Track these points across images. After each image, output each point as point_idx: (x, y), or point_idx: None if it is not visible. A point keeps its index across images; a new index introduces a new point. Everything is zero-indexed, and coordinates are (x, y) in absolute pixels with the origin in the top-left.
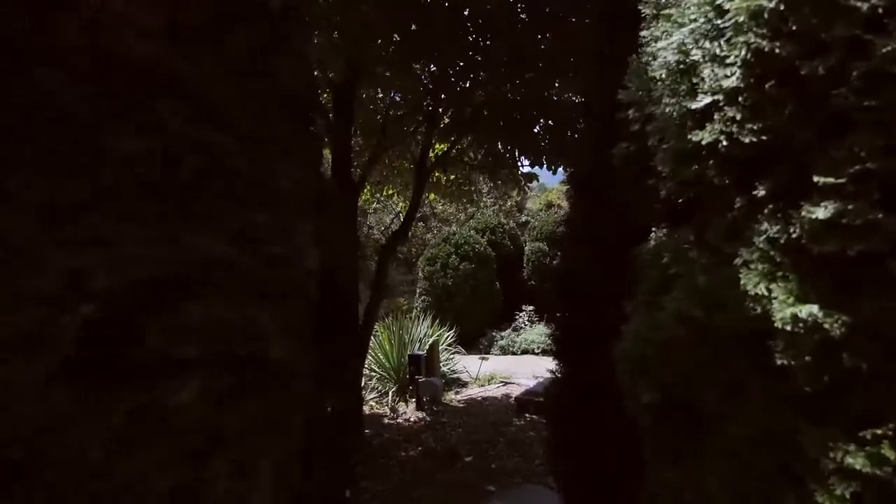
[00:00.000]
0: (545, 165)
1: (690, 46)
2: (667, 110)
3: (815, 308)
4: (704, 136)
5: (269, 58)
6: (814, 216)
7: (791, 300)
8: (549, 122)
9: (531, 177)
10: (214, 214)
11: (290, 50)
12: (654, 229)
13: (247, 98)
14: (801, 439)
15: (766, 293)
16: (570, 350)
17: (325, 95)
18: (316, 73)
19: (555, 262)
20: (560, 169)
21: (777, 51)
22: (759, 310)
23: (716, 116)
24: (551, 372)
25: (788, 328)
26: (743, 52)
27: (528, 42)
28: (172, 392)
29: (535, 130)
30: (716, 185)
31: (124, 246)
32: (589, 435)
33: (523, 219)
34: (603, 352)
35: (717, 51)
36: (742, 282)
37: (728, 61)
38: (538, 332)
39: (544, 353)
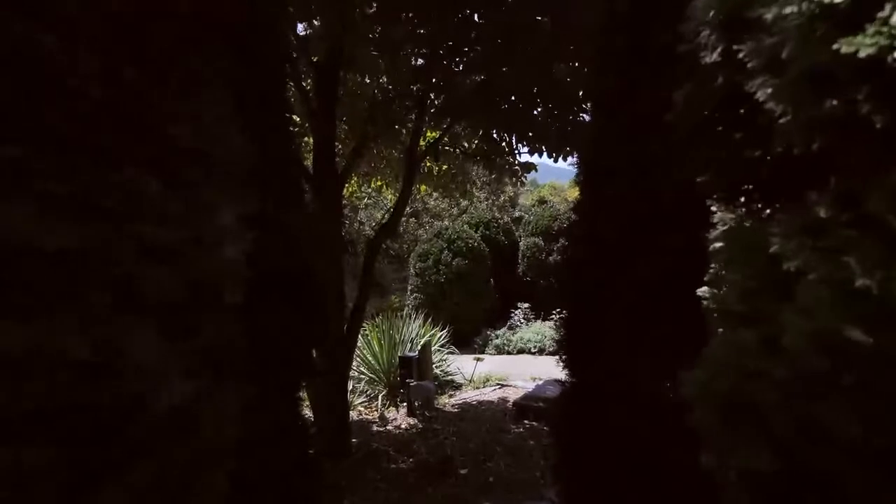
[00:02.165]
0: (545, 153)
1: None
2: (786, 12)
3: None
4: (862, 45)
5: None
6: None
7: None
8: (550, 105)
9: (529, 167)
10: (36, 171)
11: None
12: (717, 207)
13: None
14: None
15: None
16: (578, 355)
17: (308, 81)
18: (295, 54)
19: (551, 257)
20: (554, 163)
21: None
22: None
23: (885, 9)
24: (559, 382)
25: None
26: None
27: (524, 19)
28: None
29: (535, 114)
30: (873, 124)
31: None
32: (599, 446)
33: (516, 214)
34: (607, 355)
35: None
36: None
37: None
38: (534, 331)
39: (541, 352)
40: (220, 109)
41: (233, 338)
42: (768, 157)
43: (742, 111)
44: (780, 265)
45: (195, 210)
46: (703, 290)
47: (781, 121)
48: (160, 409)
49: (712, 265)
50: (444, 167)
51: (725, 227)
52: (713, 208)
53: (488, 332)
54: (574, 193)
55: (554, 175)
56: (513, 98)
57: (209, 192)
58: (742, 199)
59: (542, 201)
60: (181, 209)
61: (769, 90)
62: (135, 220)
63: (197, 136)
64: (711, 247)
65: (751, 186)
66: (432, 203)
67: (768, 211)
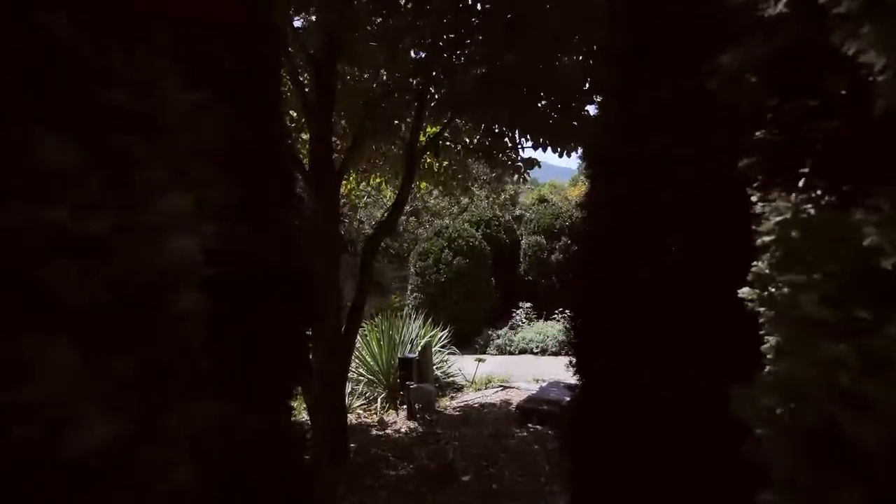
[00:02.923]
0: (549, 148)
1: None
2: None
3: None
4: None
5: None
6: None
7: None
8: (553, 98)
9: (532, 163)
10: None
11: None
12: (759, 196)
13: None
14: None
15: None
16: (581, 356)
17: (304, 75)
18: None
19: (553, 256)
20: (559, 158)
21: None
22: None
23: None
24: (569, 387)
25: None
26: None
27: (527, 10)
28: None
29: (540, 106)
30: None
31: None
32: (600, 447)
33: (517, 212)
34: (608, 355)
35: None
36: None
37: None
38: (536, 331)
39: (543, 352)
40: (178, 74)
41: (188, 349)
42: (847, 130)
43: (807, 76)
44: (875, 261)
45: (132, 190)
46: (745, 291)
47: (881, 77)
48: (76, 452)
49: (755, 262)
50: (445, 164)
51: (781, 218)
52: (753, 198)
53: (490, 332)
54: (574, 192)
55: (554, 174)
56: (515, 90)
57: (154, 169)
58: (801, 184)
59: (542, 200)
60: (111, 188)
61: (868, 38)
62: (41, 200)
63: (139, 100)
64: (759, 241)
65: (810, 168)
66: (432, 201)
67: (834, 197)
